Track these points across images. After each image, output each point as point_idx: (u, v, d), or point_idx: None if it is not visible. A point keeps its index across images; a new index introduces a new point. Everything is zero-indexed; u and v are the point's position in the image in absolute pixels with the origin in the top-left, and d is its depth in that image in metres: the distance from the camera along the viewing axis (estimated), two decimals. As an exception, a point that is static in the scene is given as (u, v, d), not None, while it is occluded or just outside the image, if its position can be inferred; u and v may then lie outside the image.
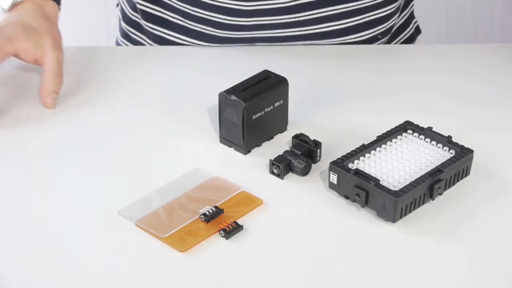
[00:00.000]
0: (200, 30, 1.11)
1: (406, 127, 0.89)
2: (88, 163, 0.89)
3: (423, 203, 0.82)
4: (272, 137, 0.93)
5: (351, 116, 0.97)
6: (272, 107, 0.90)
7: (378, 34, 1.15)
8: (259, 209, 0.82)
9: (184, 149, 0.91)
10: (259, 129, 0.90)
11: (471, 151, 0.85)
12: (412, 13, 1.23)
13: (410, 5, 1.22)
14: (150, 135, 0.94)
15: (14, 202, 0.84)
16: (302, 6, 1.09)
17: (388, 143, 0.87)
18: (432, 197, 0.82)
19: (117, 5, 1.24)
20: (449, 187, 0.84)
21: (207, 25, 1.11)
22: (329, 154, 0.88)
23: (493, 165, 0.88)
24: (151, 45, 1.17)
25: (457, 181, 0.85)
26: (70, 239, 0.79)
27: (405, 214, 0.80)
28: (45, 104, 0.98)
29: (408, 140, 0.88)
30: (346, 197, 0.83)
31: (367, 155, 0.85)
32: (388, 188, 0.79)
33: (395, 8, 1.14)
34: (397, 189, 0.79)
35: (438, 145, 0.87)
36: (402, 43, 1.22)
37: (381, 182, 0.80)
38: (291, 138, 0.90)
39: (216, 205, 0.81)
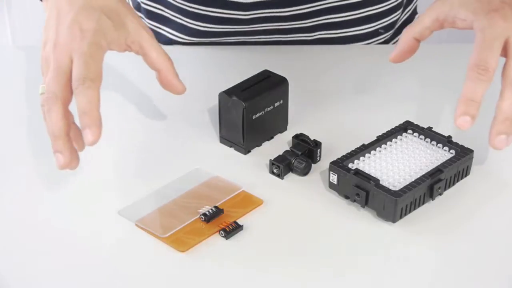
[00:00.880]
0: (198, 28, 1.12)
1: (406, 127, 0.89)
2: (88, 163, 0.89)
3: (423, 203, 0.82)
4: (272, 137, 0.93)
5: (351, 116, 0.97)
6: (272, 107, 0.90)
7: (380, 28, 1.14)
8: (259, 209, 0.82)
9: (184, 149, 0.91)
10: (259, 129, 0.90)
11: (471, 151, 0.85)
12: (415, 9, 1.24)
13: (414, 0, 1.22)
14: (150, 135, 0.94)
15: (14, 202, 0.84)
16: None
17: (388, 143, 0.87)
18: (432, 197, 0.82)
19: None
20: (449, 187, 0.84)
21: (206, 22, 1.11)
22: (329, 154, 0.88)
23: (493, 165, 0.88)
24: None
25: (457, 181, 0.85)
26: (70, 239, 0.79)
27: (405, 214, 0.80)
28: (177, 89, 0.82)
29: (408, 140, 0.88)
30: (346, 197, 0.83)
31: (367, 155, 0.85)
32: (388, 188, 0.79)
33: (397, 2, 1.14)
34: (397, 189, 0.79)
35: (438, 145, 0.86)
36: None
37: (381, 182, 0.80)
38: (291, 138, 0.90)
39: (216, 205, 0.81)
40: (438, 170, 0.82)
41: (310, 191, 0.85)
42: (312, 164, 0.87)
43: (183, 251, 0.77)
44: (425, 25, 0.82)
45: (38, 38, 1.07)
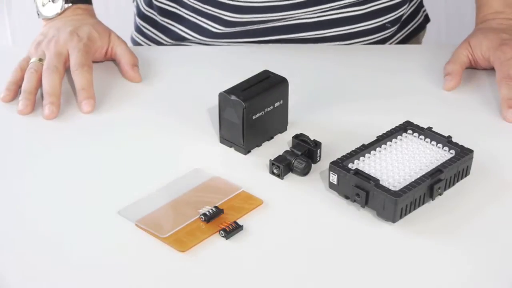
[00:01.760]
0: (211, 30, 1.13)
1: (406, 127, 0.89)
2: (88, 163, 0.89)
3: (423, 203, 0.82)
4: (272, 137, 0.93)
5: (351, 116, 0.97)
6: (272, 107, 0.90)
7: (387, 23, 1.15)
8: (259, 209, 0.82)
9: (184, 149, 0.91)
10: (259, 129, 0.90)
11: (471, 151, 0.85)
12: (421, 2, 1.24)
13: None
14: (150, 135, 0.94)
15: (14, 202, 0.84)
16: None
17: (388, 143, 0.87)
18: (432, 197, 0.82)
19: (133, 1, 1.25)
20: (449, 187, 0.84)
21: (220, 24, 1.12)
22: (329, 154, 0.88)
23: (493, 165, 0.88)
24: (166, 41, 1.18)
25: (457, 181, 0.85)
26: (70, 239, 0.79)
27: (405, 214, 0.80)
28: (132, 78, 1.03)
29: (408, 140, 0.88)
30: (346, 197, 0.83)
31: (367, 155, 0.85)
32: (388, 188, 0.79)
33: None
34: (397, 189, 0.79)
35: (438, 145, 0.86)
36: (411, 32, 1.22)
37: (381, 182, 0.80)
38: (291, 138, 0.90)
39: (216, 205, 0.81)
40: (438, 170, 0.82)
41: (310, 191, 0.85)
42: (312, 164, 0.87)
43: (183, 251, 0.77)
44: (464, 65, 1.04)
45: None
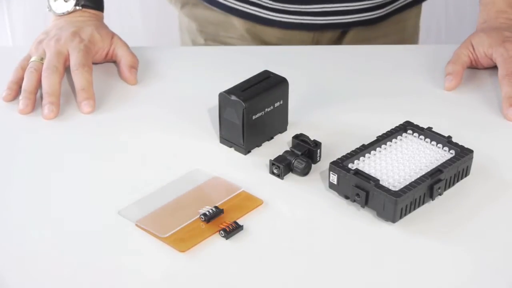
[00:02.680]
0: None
1: (406, 127, 0.89)
2: (88, 163, 0.89)
3: (423, 203, 0.82)
4: (272, 137, 0.93)
5: (351, 116, 0.97)
6: (272, 107, 0.90)
7: None
8: (259, 209, 0.82)
9: (185, 149, 0.91)
10: (259, 129, 0.90)
11: (471, 151, 0.85)
12: None
13: None
14: (150, 135, 0.94)
15: (14, 202, 0.84)
16: None
17: (388, 143, 0.87)
18: (432, 197, 0.82)
19: None
20: (449, 187, 0.84)
21: None
22: (329, 154, 0.88)
23: (493, 165, 0.88)
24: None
25: (457, 181, 0.85)
26: (70, 239, 0.79)
27: (405, 214, 0.80)
28: (128, 79, 1.04)
29: (408, 140, 0.88)
30: (346, 197, 0.83)
31: (367, 155, 0.85)
32: (388, 188, 0.79)
33: None
34: (397, 189, 0.79)
35: (438, 145, 0.87)
36: (407, 3, 1.24)
37: (381, 182, 0.80)
38: (291, 138, 0.90)
39: (216, 205, 0.81)
40: (438, 170, 0.82)
41: (310, 191, 0.85)
42: (312, 164, 0.87)
43: (183, 251, 0.77)
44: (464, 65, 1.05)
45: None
